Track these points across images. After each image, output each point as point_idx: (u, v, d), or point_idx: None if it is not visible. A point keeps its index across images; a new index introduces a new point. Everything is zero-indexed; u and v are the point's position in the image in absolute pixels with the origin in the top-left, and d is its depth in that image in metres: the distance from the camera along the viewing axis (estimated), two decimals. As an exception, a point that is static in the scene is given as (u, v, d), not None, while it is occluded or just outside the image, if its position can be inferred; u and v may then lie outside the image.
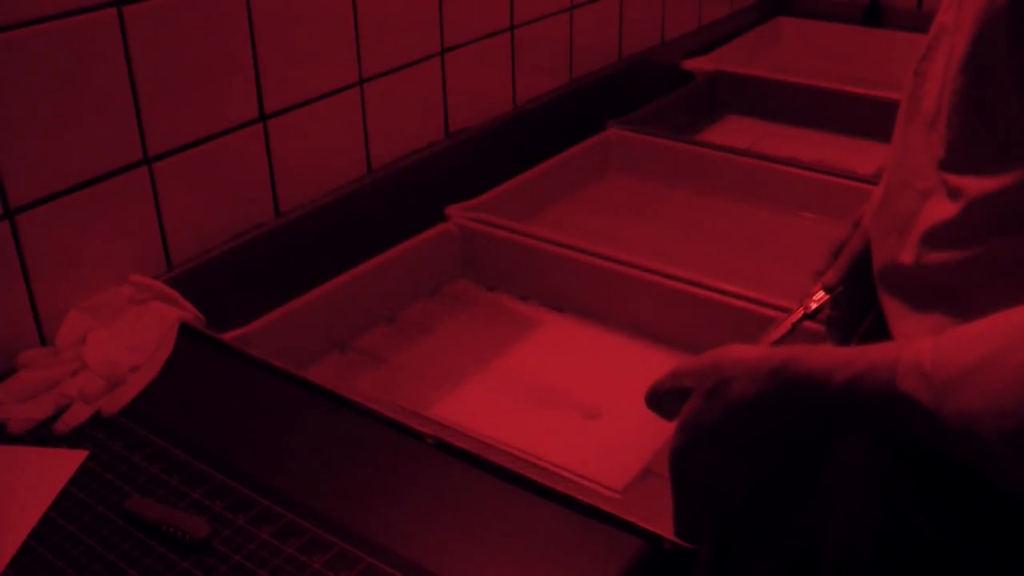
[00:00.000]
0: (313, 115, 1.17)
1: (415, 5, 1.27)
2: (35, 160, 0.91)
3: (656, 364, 1.05)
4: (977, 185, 0.65)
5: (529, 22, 1.47)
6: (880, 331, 0.78)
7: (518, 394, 1.04)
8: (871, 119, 1.65)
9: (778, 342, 0.89)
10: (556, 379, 1.06)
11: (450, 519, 0.75)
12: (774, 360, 0.63)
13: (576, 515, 0.74)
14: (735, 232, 1.37)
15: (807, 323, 0.92)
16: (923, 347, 0.57)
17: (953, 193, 0.66)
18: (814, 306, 0.91)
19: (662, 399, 0.71)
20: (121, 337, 0.94)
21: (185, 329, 0.98)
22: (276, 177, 1.15)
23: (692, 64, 1.85)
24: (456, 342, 1.14)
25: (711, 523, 0.71)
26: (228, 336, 0.99)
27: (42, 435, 0.85)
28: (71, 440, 0.84)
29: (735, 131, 1.76)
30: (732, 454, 0.66)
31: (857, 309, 0.93)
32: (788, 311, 0.92)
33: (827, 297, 0.92)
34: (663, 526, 0.72)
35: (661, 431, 0.90)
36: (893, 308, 0.74)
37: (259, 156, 1.12)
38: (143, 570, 0.70)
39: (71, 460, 0.82)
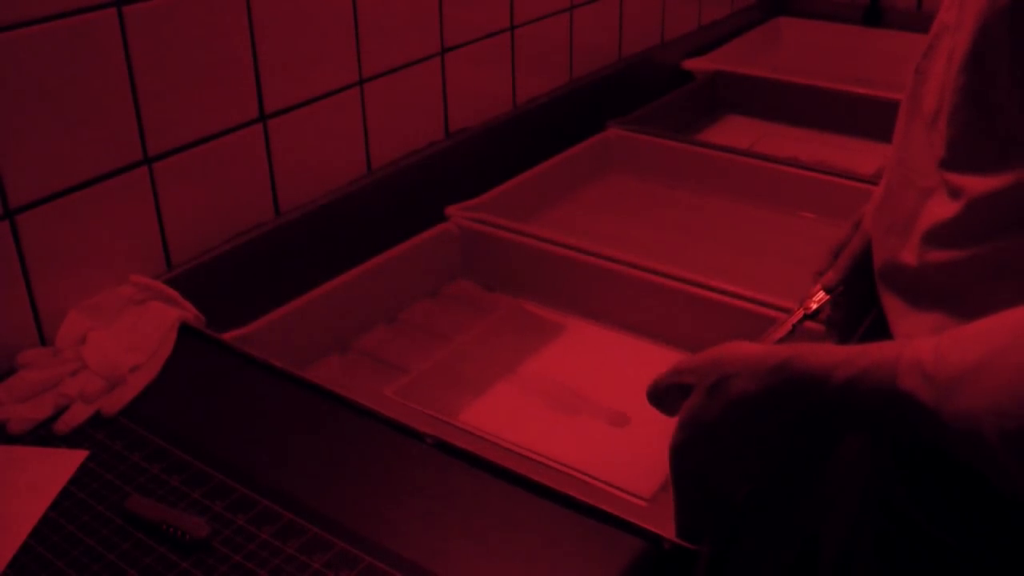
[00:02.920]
0: (313, 115, 1.17)
1: (415, 5, 1.27)
2: (35, 160, 0.91)
3: (643, 360, 1.06)
4: (978, 184, 0.65)
5: (529, 22, 1.47)
6: (880, 331, 0.78)
7: (543, 400, 1.03)
8: (871, 119, 1.65)
9: (778, 343, 0.89)
10: (580, 385, 1.05)
11: (450, 519, 0.75)
12: (775, 358, 0.63)
13: (576, 515, 0.74)
14: (735, 232, 1.37)
15: (808, 323, 0.92)
16: (924, 346, 0.57)
17: (954, 192, 0.66)
18: (814, 306, 0.91)
19: (663, 395, 0.71)
20: (121, 337, 0.94)
21: (185, 329, 0.98)
22: (276, 177, 1.15)
23: (692, 64, 1.85)
24: (479, 349, 1.12)
25: (712, 520, 0.71)
26: (228, 336, 0.99)
27: (42, 435, 0.85)
28: (71, 440, 0.84)
29: (735, 131, 1.76)
30: (733, 451, 0.66)
31: (857, 310, 0.93)
32: (789, 311, 0.92)
33: (827, 297, 0.92)
34: (663, 526, 0.72)
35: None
36: (893, 307, 0.74)
37: (259, 156, 1.12)
38: (143, 570, 0.70)
39: (71, 460, 0.82)
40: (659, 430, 0.92)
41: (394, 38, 1.25)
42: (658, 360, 1.05)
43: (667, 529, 0.72)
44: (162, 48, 0.99)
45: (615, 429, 0.99)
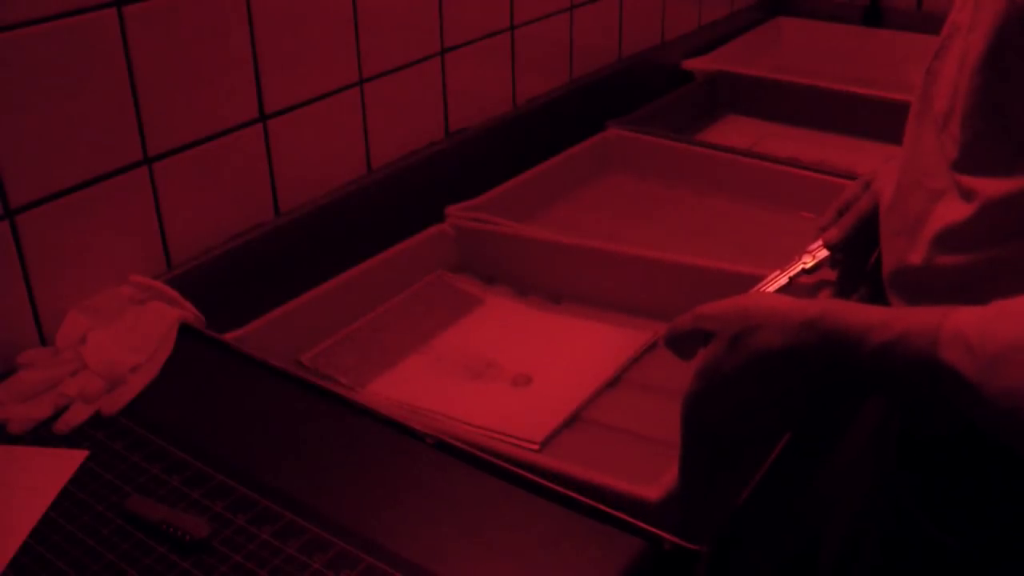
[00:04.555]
0: (313, 115, 1.17)
1: (415, 5, 1.27)
2: (35, 160, 0.91)
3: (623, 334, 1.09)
4: (992, 187, 0.64)
5: (529, 22, 1.47)
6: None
7: (455, 369, 1.07)
8: (871, 119, 1.65)
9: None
10: (493, 353, 1.09)
11: (450, 519, 0.75)
12: (807, 312, 0.61)
13: (576, 515, 0.74)
14: (735, 232, 1.37)
15: (802, 278, 0.91)
16: (967, 318, 0.55)
17: (966, 194, 0.66)
18: (812, 261, 0.90)
19: (681, 339, 0.68)
20: (121, 337, 0.94)
21: (185, 329, 0.98)
22: (276, 177, 1.15)
23: (692, 64, 1.85)
24: (398, 321, 1.16)
25: (716, 483, 0.69)
26: (228, 336, 0.99)
27: (42, 435, 0.85)
28: (71, 440, 0.84)
29: (735, 131, 1.76)
30: (750, 404, 0.64)
31: (858, 269, 0.92)
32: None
33: (827, 254, 0.90)
34: (663, 526, 0.72)
35: (583, 391, 0.99)
36: None
37: (259, 156, 1.12)
38: (143, 570, 0.70)
39: (71, 460, 0.82)
40: (559, 387, 1.01)
41: (394, 38, 1.25)
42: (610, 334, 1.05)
43: (649, 520, 0.72)
44: (162, 48, 0.99)
45: (517, 388, 1.03)
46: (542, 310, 1.18)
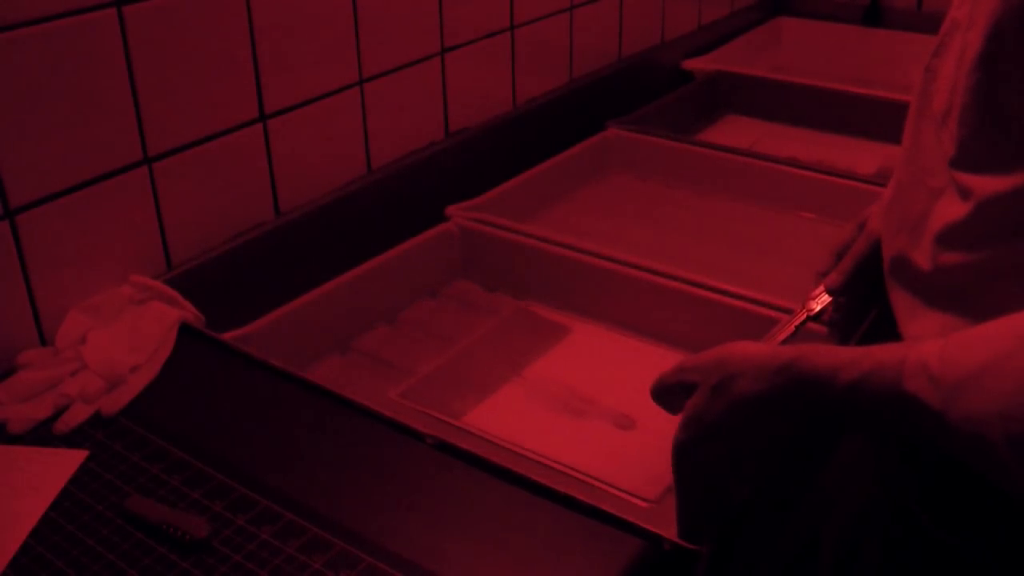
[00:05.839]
0: (313, 115, 1.17)
1: (415, 5, 1.27)
2: (35, 160, 0.91)
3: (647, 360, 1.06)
4: (987, 185, 0.64)
5: (529, 22, 1.47)
6: (881, 330, 0.78)
7: (548, 403, 1.03)
8: (871, 119, 1.65)
9: (781, 344, 0.89)
10: (584, 387, 1.05)
11: (450, 519, 0.75)
12: (780, 358, 0.63)
13: (576, 515, 0.74)
14: (735, 232, 1.37)
15: (810, 324, 0.91)
16: (930, 348, 0.56)
17: (963, 192, 0.66)
18: (817, 308, 0.91)
19: (668, 393, 0.71)
20: (121, 337, 0.94)
21: (185, 329, 0.98)
22: (276, 177, 1.15)
23: (692, 64, 1.85)
24: (484, 351, 1.12)
25: (713, 519, 0.71)
26: (228, 336, 0.99)
27: (42, 435, 0.85)
28: (71, 440, 0.84)
29: (735, 131, 1.76)
30: (735, 450, 0.66)
31: (859, 311, 0.92)
32: (790, 312, 0.91)
33: (830, 299, 0.91)
34: (664, 526, 0.72)
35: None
36: (903, 305, 0.73)
37: (259, 156, 1.12)
38: (143, 570, 0.70)
39: (71, 460, 0.82)
40: (664, 432, 0.93)
41: (394, 38, 1.25)
42: (661, 361, 1.05)
43: (668, 530, 0.72)
44: (162, 48, 0.99)
45: (620, 432, 0.99)
46: (626, 339, 1.14)
